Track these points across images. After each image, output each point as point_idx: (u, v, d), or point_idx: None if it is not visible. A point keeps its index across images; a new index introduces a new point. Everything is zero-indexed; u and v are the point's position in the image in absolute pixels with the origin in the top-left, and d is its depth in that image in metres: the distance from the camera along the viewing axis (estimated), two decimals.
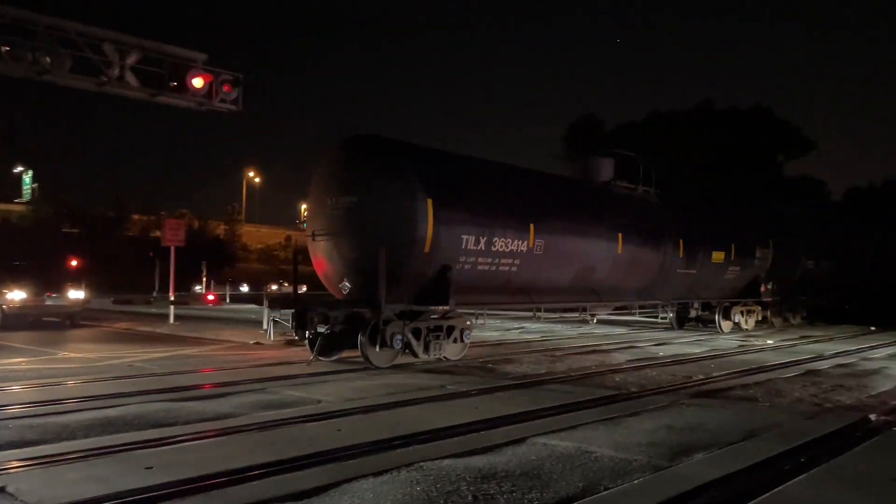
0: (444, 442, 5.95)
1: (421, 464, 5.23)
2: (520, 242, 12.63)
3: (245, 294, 38.21)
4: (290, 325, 12.29)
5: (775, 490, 4.75)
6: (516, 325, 22.07)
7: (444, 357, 11.85)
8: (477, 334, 17.54)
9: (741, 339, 16.97)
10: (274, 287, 39.88)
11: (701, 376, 10.24)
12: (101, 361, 11.11)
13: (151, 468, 5.03)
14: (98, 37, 11.13)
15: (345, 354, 11.42)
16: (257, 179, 70.17)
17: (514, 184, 13.77)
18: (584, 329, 19.34)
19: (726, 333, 18.66)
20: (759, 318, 20.45)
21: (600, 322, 19.92)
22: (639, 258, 15.60)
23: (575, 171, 16.74)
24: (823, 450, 5.89)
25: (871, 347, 15.43)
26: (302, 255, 14.10)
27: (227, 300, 33.11)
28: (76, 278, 19.54)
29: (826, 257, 22.39)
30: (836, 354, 13.79)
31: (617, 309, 18.02)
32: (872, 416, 7.27)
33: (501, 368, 10.88)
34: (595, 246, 14.41)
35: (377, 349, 10.89)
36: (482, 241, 11.93)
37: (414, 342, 11.39)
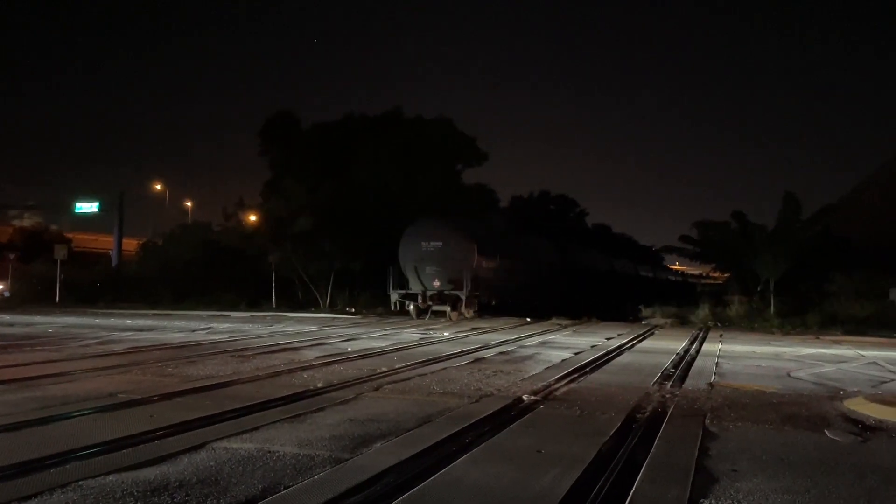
0: (109, 456, 5.38)
1: (80, 482, 4.66)
2: (495, 263, 27.41)
3: None
4: None
5: (443, 470, 5.16)
6: (203, 325, 21.13)
7: (464, 315, 25.54)
8: (157, 337, 16.36)
9: (422, 333, 18.25)
10: None
11: (385, 369, 10.76)
12: None
13: None
14: None
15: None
16: None
17: (491, 233, 29.22)
18: (276, 328, 19.74)
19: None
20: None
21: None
22: (528, 270, 30.80)
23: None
24: (485, 430, 6.55)
25: (527, 336, 17.71)
26: None
27: None
28: None
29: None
30: (500, 343, 15.54)
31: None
32: (525, 397, 8.29)
33: (183, 372, 10.23)
34: (515, 264, 29.49)
35: (454, 312, 25.33)
36: (486, 262, 26.61)
37: (465, 309, 25.53)
